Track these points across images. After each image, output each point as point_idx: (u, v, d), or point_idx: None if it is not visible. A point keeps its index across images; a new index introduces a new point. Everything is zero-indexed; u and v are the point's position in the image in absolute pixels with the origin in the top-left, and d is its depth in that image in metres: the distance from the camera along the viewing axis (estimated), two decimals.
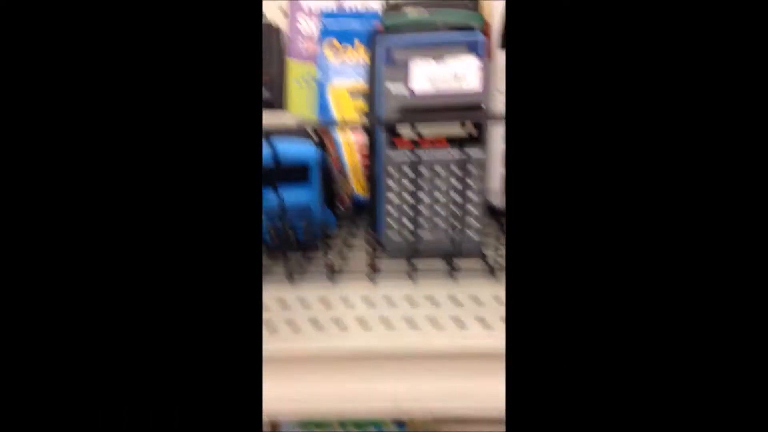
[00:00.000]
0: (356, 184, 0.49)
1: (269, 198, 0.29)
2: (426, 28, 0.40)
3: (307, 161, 0.27)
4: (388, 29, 0.40)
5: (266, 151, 0.26)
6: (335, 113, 0.50)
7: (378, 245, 0.36)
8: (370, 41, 0.36)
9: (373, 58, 0.36)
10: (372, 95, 0.37)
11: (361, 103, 0.50)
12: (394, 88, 0.33)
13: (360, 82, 0.50)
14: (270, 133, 0.25)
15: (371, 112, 0.37)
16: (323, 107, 0.50)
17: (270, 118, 0.35)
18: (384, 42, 0.34)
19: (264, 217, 0.30)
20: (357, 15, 0.50)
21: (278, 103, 0.55)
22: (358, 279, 0.34)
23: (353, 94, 0.50)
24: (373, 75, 0.36)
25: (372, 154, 0.36)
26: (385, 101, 0.34)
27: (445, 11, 0.41)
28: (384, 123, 0.32)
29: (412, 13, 0.45)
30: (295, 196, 0.29)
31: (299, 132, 0.29)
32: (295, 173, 0.28)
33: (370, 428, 0.57)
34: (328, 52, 0.49)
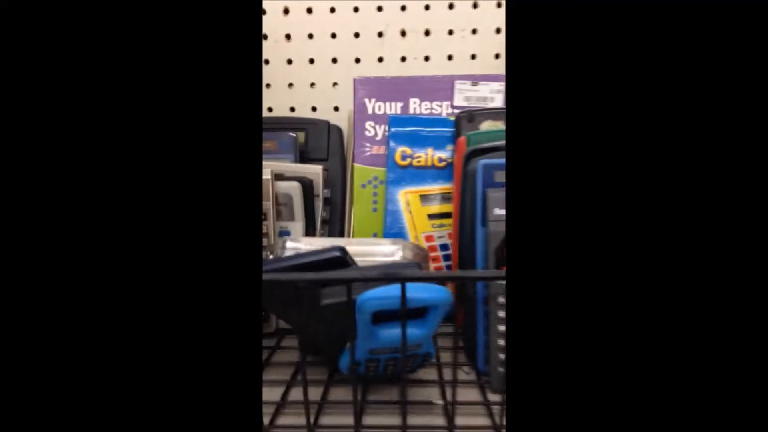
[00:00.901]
0: None
1: (384, 335, 0.28)
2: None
3: (430, 303, 0.26)
4: (472, 143, 0.40)
5: (396, 293, 0.25)
6: (405, 219, 0.50)
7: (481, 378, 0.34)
8: (466, 161, 0.35)
9: (468, 179, 0.36)
10: (466, 215, 0.36)
11: (436, 208, 0.50)
12: (501, 211, 0.33)
13: (430, 187, 0.49)
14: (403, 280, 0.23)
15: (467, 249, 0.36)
16: (393, 213, 0.50)
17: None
18: (483, 164, 0.34)
19: (366, 351, 0.28)
20: (426, 120, 0.50)
21: (340, 204, 0.55)
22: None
23: (425, 199, 0.49)
24: (470, 199, 0.36)
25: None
26: (491, 225, 0.33)
27: None
28: (494, 251, 0.31)
29: (489, 125, 0.45)
30: (409, 332, 0.27)
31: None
32: (415, 313, 0.26)
33: None
34: (398, 158, 0.50)
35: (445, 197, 0.50)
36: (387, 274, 0.22)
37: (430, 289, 0.25)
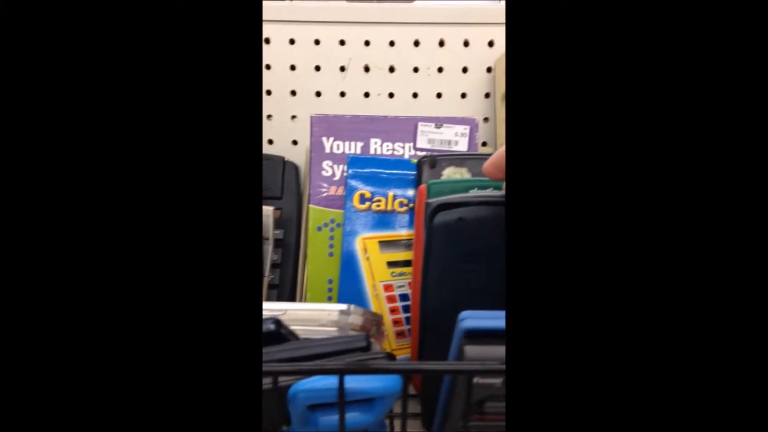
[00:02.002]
0: None
1: (324, 422, 0.24)
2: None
3: (375, 395, 0.22)
4: (433, 194, 0.37)
5: (332, 383, 0.21)
6: (363, 267, 0.46)
7: None
8: (431, 217, 0.32)
9: (433, 240, 0.32)
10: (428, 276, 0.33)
11: (396, 255, 0.46)
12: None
13: (391, 233, 0.46)
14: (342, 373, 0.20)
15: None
16: (349, 259, 0.46)
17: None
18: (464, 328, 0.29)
19: None
20: (387, 162, 0.47)
21: (294, 247, 0.51)
22: None
23: (385, 246, 0.46)
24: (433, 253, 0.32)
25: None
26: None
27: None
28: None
29: (452, 173, 0.43)
30: (354, 418, 0.24)
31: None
32: (360, 400, 0.23)
33: None
34: (356, 202, 0.46)
35: (407, 244, 0.46)
36: (322, 367, 0.19)
37: (375, 379, 0.21)
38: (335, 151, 0.50)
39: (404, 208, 0.46)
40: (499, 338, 0.23)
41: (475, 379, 0.22)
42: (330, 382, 0.21)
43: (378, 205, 0.46)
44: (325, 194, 0.49)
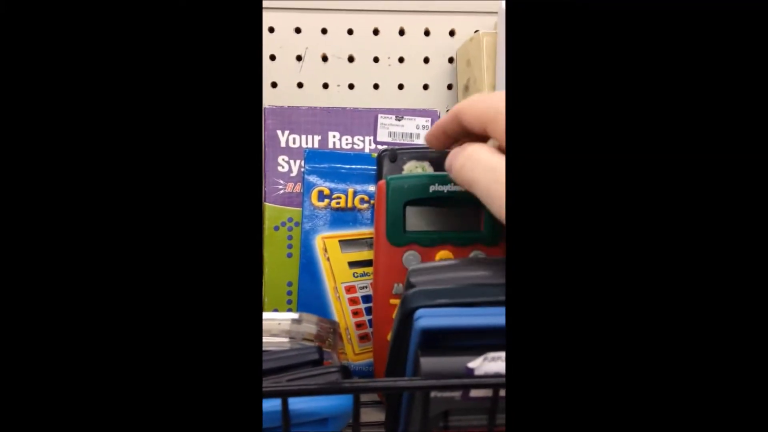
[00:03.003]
0: None
1: None
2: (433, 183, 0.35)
3: (326, 416, 0.20)
4: (392, 189, 0.35)
5: (273, 408, 0.18)
6: (323, 268, 0.44)
7: None
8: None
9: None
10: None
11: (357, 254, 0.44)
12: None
13: (351, 232, 0.44)
14: (285, 394, 0.17)
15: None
16: (308, 260, 0.44)
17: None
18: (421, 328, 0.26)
19: None
20: (347, 156, 0.45)
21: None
22: None
23: (346, 245, 0.44)
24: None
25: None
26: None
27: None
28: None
29: (413, 167, 0.41)
30: None
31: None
32: (313, 423, 0.20)
33: None
34: (314, 199, 0.44)
35: (369, 243, 0.44)
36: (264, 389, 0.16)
37: (325, 398, 0.19)
38: (291, 145, 0.47)
39: (365, 205, 0.44)
40: (457, 336, 0.21)
41: (433, 394, 0.20)
42: (274, 404, 0.18)
43: (338, 203, 0.44)
44: (281, 191, 0.47)
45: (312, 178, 0.44)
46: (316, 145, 0.47)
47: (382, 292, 0.37)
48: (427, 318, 0.21)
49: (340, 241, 0.44)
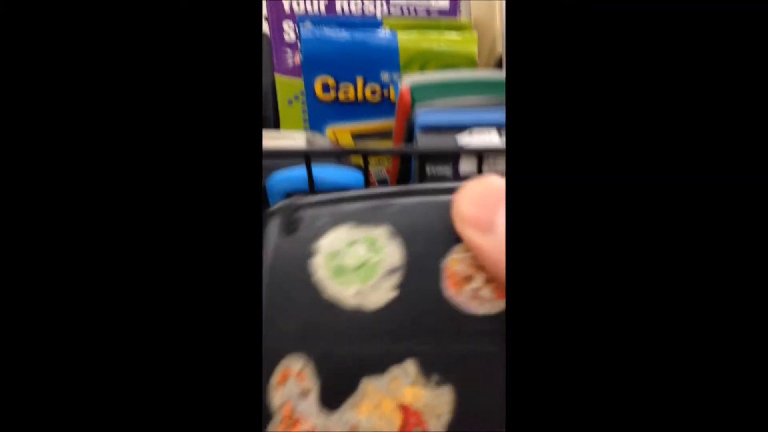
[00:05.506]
0: None
1: None
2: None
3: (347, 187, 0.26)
4: (417, 98, 0.31)
5: (301, 175, 0.25)
6: None
7: None
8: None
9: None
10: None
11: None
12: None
13: (364, 124, 0.40)
14: (308, 155, 0.24)
15: None
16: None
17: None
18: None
19: None
20: (349, 23, 0.37)
21: (272, 121, 0.46)
22: None
23: (358, 138, 0.41)
24: None
25: None
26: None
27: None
28: None
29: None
30: None
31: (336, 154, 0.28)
32: None
33: None
34: (319, 91, 0.39)
35: (385, 135, 0.41)
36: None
37: (344, 174, 0.25)
38: (296, 8, 0.39)
39: (377, 97, 0.39)
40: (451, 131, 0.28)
41: (429, 170, 0.26)
42: (303, 172, 0.24)
43: (346, 95, 0.39)
44: (290, 62, 0.41)
45: (311, 69, 0.38)
46: (322, 11, 0.39)
47: None
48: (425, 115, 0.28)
49: (352, 134, 0.41)
